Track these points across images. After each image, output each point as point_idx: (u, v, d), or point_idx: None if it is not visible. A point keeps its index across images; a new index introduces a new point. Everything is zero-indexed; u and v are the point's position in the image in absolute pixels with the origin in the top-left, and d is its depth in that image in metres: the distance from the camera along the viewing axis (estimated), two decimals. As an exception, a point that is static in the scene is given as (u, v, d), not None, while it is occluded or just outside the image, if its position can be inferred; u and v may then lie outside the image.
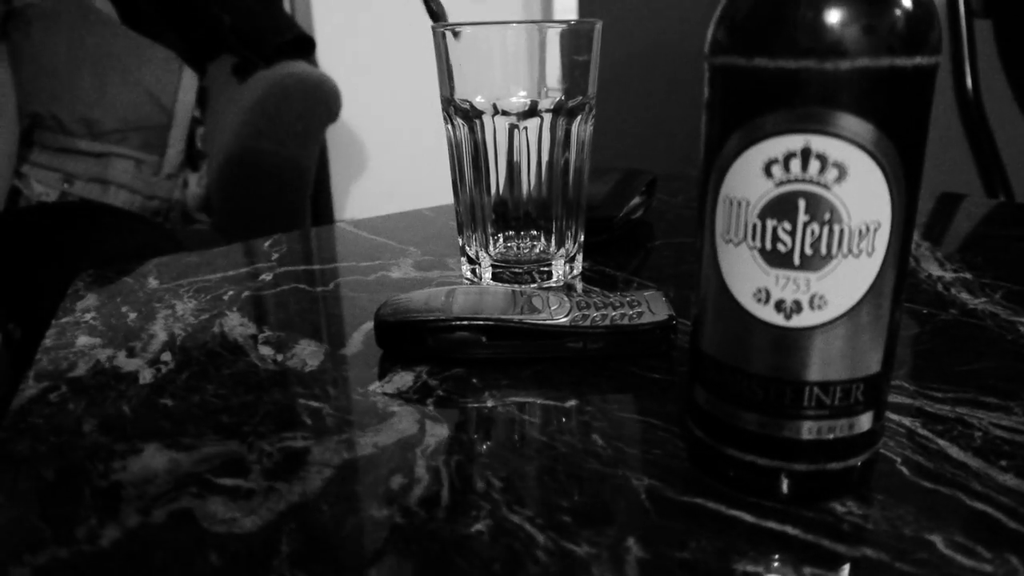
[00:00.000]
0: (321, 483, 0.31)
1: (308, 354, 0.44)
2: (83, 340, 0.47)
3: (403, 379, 0.40)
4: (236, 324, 0.48)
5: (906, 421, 0.35)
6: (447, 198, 0.80)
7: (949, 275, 0.55)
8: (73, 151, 1.62)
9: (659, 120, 2.29)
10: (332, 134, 2.06)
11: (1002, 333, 0.45)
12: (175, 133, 1.69)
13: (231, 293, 0.54)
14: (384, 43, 2.00)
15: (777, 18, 0.25)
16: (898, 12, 0.24)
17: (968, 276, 0.55)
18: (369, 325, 0.47)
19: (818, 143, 0.25)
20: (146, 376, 0.42)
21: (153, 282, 0.57)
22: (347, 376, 0.41)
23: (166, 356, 0.44)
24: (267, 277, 0.58)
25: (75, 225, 1.26)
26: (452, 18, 0.52)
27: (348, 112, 2.00)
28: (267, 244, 0.67)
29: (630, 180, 0.67)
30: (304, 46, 1.79)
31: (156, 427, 0.36)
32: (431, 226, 0.71)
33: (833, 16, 0.24)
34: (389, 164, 2.23)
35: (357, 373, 0.42)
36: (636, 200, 0.65)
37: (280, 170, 1.59)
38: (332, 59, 1.99)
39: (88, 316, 0.51)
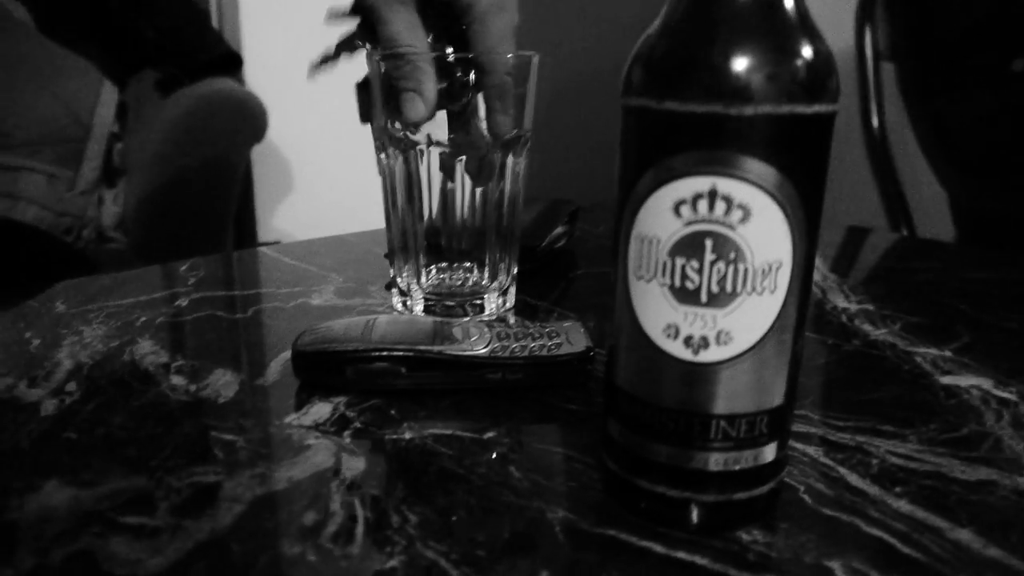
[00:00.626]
0: (232, 519, 0.30)
1: (223, 384, 0.43)
2: (-19, 368, 0.45)
3: (320, 410, 0.40)
4: (148, 352, 0.47)
5: (810, 450, 0.36)
6: (373, 222, 0.80)
7: (854, 307, 0.58)
8: (-20, 164, 1.54)
9: (584, 150, 2.33)
10: (257, 154, 2.03)
11: (899, 363, 0.47)
12: (92, 148, 1.64)
13: (144, 319, 0.52)
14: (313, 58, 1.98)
15: (686, 63, 0.26)
16: (799, 62, 0.26)
17: (871, 307, 0.57)
18: (287, 354, 0.46)
19: (724, 185, 0.26)
20: (48, 407, 0.40)
21: (60, 306, 0.55)
22: (263, 407, 0.41)
23: (71, 386, 0.42)
24: (183, 303, 0.56)
25: (-22, 243, 1.20)
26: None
27: (275, 132, 1.97)
28: (184, 268, 0.65)
29: (554, 209, 0.68)
30: (231, 63, 1.76)
31: (57, 462, 0.35)
32: (354, 252, 0.71)
33: (738, 63, 0.25)
34: (316, 186, 2.20)
35: (273, 404, 0.41)
36: (559, 230, 0.66)
37: (202, 190, 1.55)
38: (259, 77, 1.96)
39: (-12, 343, 0.49)
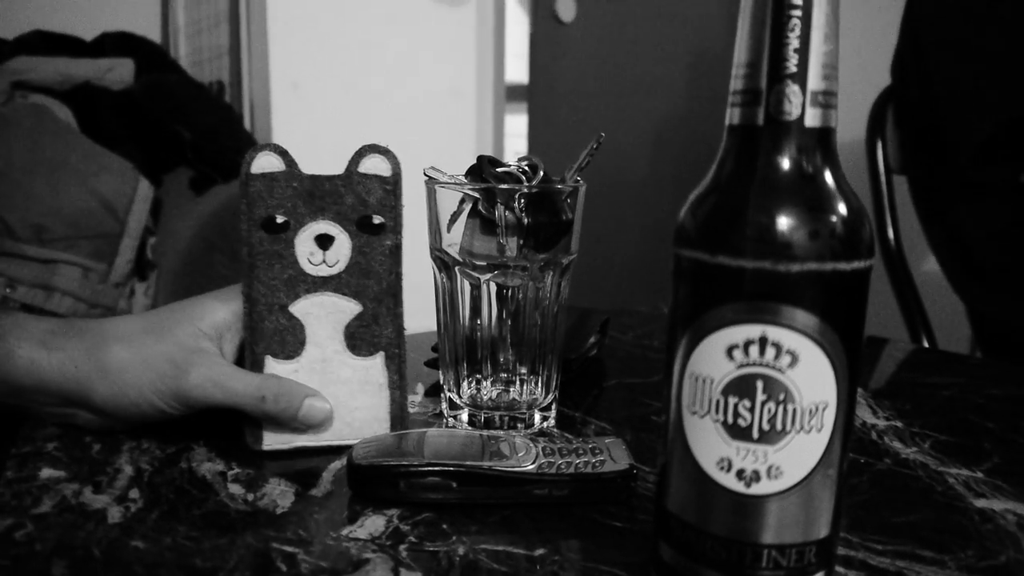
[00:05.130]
0: (302, 636, 0.32)
1: (278, 494, 0.45)
2: (46, 472, 0.47)
3: (375, 523, 0.41)
4: (204, 459, 0.49)
5: (851, 574, 0.37)
6: (409, 324, 0.83)
7: (882, 423, 0.59)
8: (19, 256, 1.60)
9: (606, 257, 2.38)
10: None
11: (932, 484, 0.48)
12: (126, 242, 1.69)
13: (197, 422, 0.54)
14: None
15: (737, 222, 0.29)
16: (841, 224, 0.29)
17: (899, 424, 0.59)
18: (338, 464, 0.48)
19: (773, 333, 0.28)
20: (115, 515, 0.42)
21: (116, 410, 0.57)
22: (319, 519, 0.42)
23: (134, 493, 0.44)
24: (232, 408, 0.58)
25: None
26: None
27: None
28: (230, 371, 0.67)
29: (584, 321, 0.70)
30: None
31: (129, 571, 0.36)
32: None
33: (785, 225, 0.28)
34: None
35: (328, 516, 0.42)
36: (592, 340, 0.68)
37: (232, 285, 1.59)
38: (288, 175, 2.04)
39: (50, 446, 0.51)
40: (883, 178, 1.11)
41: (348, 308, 0.50)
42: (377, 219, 0.50)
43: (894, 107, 1.12)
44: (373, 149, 0.50)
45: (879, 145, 1.13)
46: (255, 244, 0.49)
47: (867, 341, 0.86)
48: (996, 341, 1.04)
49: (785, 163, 0.29)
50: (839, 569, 0.37)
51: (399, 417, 0.52)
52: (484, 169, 0.53)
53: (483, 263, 0.52)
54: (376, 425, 0.51)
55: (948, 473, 0.50)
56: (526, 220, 0.51)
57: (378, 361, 0.51)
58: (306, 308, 0.50)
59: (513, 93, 2.30)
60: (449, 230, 0.52)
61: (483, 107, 2.28)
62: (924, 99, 1.03)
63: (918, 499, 0.47)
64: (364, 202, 0.50)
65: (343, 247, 0.50)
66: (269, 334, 0.50)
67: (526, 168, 0.53)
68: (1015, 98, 0.92)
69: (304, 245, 0.49)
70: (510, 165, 0.53)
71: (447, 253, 0.53)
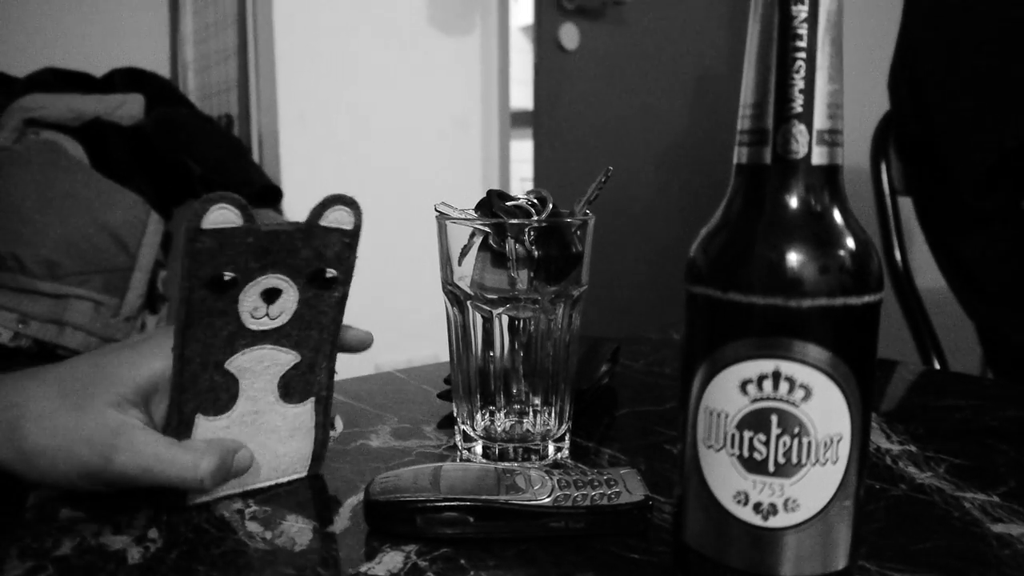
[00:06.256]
0: (324, 677, 0.32)
1: (296, 531, 0.45)
2: (65, 513, 0.47)
3: (393, 560, 0.42)
4: (221, 497, 0.49)
5: (871, 605, 0.37)
6: (412, 353, 0.83)
7: (896, 448, 0.59)
8: (31, 291, 1.61)
9: (615, 284, 2.39)
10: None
11: (948, 510, 0.48)
12: (137, 276, 1.71)
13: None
14: (367, 204, 2.08)
15: (748, 260, 0.30)
16: (850, 261, 0.29)
17: (913, 449, 0.59)
18: (355, 500, 0.48)
19: (787, 367, 0.29)
20: (135, 555, 0.42)
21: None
22: (338, 556, 0.43)
23: (153, 532, 0.45)
24: (248, 444, 0.59)
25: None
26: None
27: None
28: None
29: (596, 349, 0.71)
30: (271, 195, 1.85)
31: (151, 613, 0.36)
32: (405, 390, 0.74)
33: (795, 262, 0.29)
34: (354, 316, 2.27)
35: (347, 553, 0.43)
36: (603, 369, 0.69)
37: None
38: (298, 208, 2.06)
39: (69, 486, 0.51)
40: (888, 199, 1.11)
41: (285, 360, 0.48)
42: (330, 273, 0.48)
43: (895, 132, 1.12)
44: (339, 201, 0.47)
45: (883, 166, 1.14)
46: (195, 303, 0.45)
47: (878, 364, 0.86)
48: (1007, 361, 1.04)
49: (793, 201, 0.29)
50: (858, 599, 0.37)
51: (320, 455, 0.52)
52: (494, 203, 0.53)
53: (494, 296, 0.52)
54: (299, 466, 0.51)
55: (964, 498, 0.50)
56: (536, 253, 0.51)
57: (308, 407, 0.50)
58: (242, 363, 0.47)
59: (518, 119, 2.32)
60: (460, 264, 0.53)
61: (488, 134, 2.30)
62: (922, 128, 1.04)
63: (935, 525, 0.46)
64: (320, 256, 0.47)
65: (289, 300, 0.47)
66: (201, 392, 0.47)
67: (535, 201, 0.54)
68: (1013, 125, 0.93)
69: (249, 300, 0.46)
70: (519, 198, 0.54)
71: (459, 287, 0.53)
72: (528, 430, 0.55)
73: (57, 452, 0.44)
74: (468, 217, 0.53)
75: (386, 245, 1.94)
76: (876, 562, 0.41)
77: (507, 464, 0.52)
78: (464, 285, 0.53)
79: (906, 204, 1.15)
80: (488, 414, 0.56)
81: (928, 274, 1.14)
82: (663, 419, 0.65)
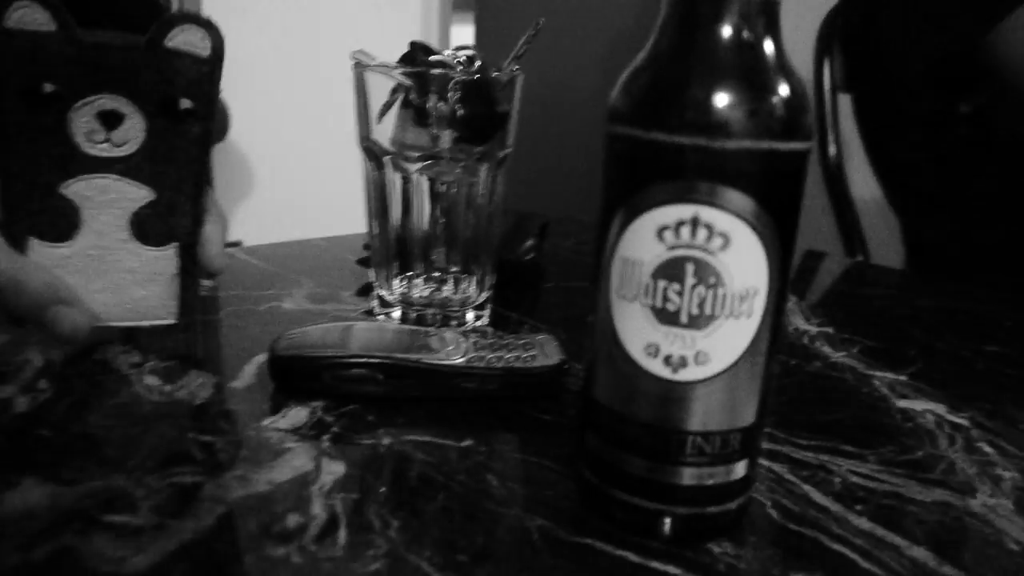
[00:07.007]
0: (214, 520, 0.30)
1: (197, 386, 0.43)
2: (-53, 363, 0.44)
3: (298, 415, 0.40)
4: (120, 352, 0.47)
5: (776, 467, 0.38)
6: (341, 227, 0.80)
7: (814, 329, 0.60)
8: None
9: (552, 164, 2.35)
10: (220, 154, 2.01)
11: (858, 386, 0.49)
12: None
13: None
14: (281, 60, 1.97)
15: (674, 98, 0.27)
16: (778, 101, 0.27)
17: (830, 331, 0.60)
18: (261, 358, 0.46)
19: (706, 214, 0.27)
20: (21, 404, 0.40)
21: (27, 303, 0.54)
22: (239, 410, 0.41)
23: (43, 383, 0.42)
24: (153, 303, 0.56)
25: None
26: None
27: (236, 133, 1.95)
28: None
29: (522, 224, 0.69)
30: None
31: (34, 459, 0.34)
32: (324, 257, 0.71)
33: (722, 101, 0.27)
34: (281, 188, 2.19)
35: (249, 407, 0.41)
36: (529, 243, 0.67)
37: None
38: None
39: (-47, 337, 0.48)
40: (828, 94, 1.10)
41: (137, 195, 0.44)
42: (185, 103, 0.44)
43: (841, 28, 1.11)
44: (188, 19, 0.43)
45: (826, 62, 1.12)
46: (11, 113, 0.41)
47: (804, 255, 0.87)
48: (927, 260, 1.07)
49: (726, 32, 0.27)
50: (764, 461, 0.38)
51: (190, 304, 0.47)
52: (417, 56, 0.50)
53: (415, 154, 0.49)
54: (162, 311, 0.47)
55: (874, 376, 0.51)
56: (460, 110, 0.48)
57: (171, 252, 0.46)
58: (81, 190, 0.44)
59: (460, 2, 2.22)
60: (380, 121, 0.50)
61: (428, 15, 2.20)
62: (866, 22, 1.02)
63: (844, 399, 0.47)
64: (169, 82, 0.43)
65: (135, 128, 0.43)
66: (33, 214, 0.43)
67: (462, 59, 0.50)
68: (953, 32, 0.92)
69: (82, 122, 0.42)
70: (445, 53, 0.50)
71: (377, 143, 0.50)
72: (447, 297, 0.54)
73: None
74: (388, 66, 0.49)
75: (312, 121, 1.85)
76: (785, 430, 0.42)
77: (421, 327, 0.50)
78: (383, 142, 0.50)
79: (844, 104, 1.15)
80: (406, 280, 0.54)
81: (859, 171, 1.15)
82: (589, 295, 0.64)
